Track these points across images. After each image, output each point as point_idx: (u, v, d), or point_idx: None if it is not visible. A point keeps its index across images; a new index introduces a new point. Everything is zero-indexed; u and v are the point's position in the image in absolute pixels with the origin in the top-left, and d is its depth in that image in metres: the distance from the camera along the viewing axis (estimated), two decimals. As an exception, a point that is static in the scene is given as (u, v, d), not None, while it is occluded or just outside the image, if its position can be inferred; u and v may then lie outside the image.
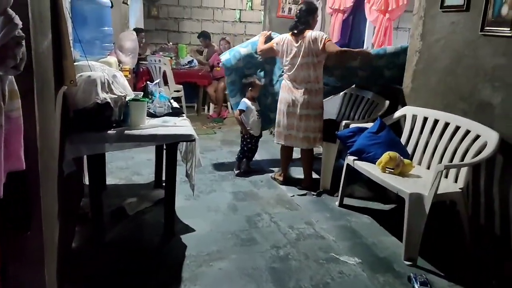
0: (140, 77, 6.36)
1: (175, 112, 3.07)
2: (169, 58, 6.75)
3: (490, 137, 2.68)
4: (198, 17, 8.10)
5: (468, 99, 2.96)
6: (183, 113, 3.13)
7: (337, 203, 3.56)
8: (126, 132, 2.57)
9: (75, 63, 2.72)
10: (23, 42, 1.25)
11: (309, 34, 3.60)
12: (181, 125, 2.82)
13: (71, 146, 2.38)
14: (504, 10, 2.66)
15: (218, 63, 6.74)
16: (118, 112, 2.62)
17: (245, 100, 4.10)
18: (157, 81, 3.24)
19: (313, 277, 2.51)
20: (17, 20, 1.22)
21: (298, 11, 3.72)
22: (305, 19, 3.65)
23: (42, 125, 1.75)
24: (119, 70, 4.86)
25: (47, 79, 1.91)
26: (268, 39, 4.01)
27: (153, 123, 2.79)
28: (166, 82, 6.31)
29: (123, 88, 2.83)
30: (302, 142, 3.76)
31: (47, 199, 1.87)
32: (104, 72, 2.69)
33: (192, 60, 7.04)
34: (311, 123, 3.70)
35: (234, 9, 8.25)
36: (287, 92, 3.73)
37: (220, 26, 8.25)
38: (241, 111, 4.09)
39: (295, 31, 3.67)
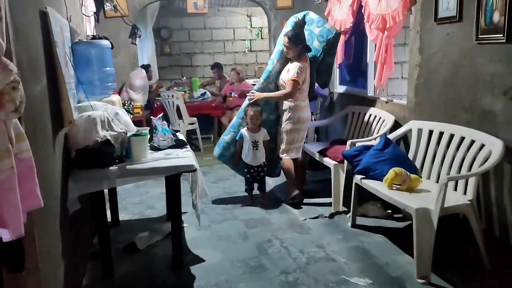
0: (155, 113, 6.52)
1: (178, 144, 3.13)
2: (183, 92, 6.92)
3: (495, 146, 2.61)
4: (210, 50, 8.33)
5: (470, 109, 2.90)
6: (187, 145, 3.19)
7: (349, 224, 3.50)
8: (128, 167, 2.63)
9: (78, 104, 2.85)
10: (20, 86, 1.33)
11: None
12: (183, 157, 2.87)
13: (74, 185, 2.46)
14: (496, 17, 2.63)
15: (231, 93, 6.88)
16: (120, 148, 2.70)
17: (243, 129, 4.07)
18: (160, 115, 3.32)
19: (321, 302, 2.45)
20: (12, 66, 1.30)
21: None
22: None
23: (37, 166, 1.82)
24: (131, 107, 5.05)
25: (42, 122, 2.00)
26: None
27: (156, 156, 2.85)
28: (180, 116, 6.44)
29: (125, 124, 2.92)
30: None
31: (46, 238, 1.92)
32: (106, 110, 2.80)
33: (205, 93, 7.18)
34: None
35: (244, 40, 8.45)
36: (307, 111, 4.13)
37: (231, 57, 8.44)
38: (238, 141, 4.10)
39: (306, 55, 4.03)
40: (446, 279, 2.61)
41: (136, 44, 5.91)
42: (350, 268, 2.82)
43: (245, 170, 4.08)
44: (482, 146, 2.72)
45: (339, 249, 3.10)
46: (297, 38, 3.95)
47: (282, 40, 4.03)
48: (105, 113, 2.68)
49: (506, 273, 2.62)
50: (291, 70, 3.91)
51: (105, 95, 3.13)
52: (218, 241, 3.30)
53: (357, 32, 4.65)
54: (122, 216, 3.78)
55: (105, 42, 3.12)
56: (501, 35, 2.59)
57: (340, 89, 5.15)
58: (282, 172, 4.25)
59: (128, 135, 2.76)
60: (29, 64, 1.83)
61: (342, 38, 4.63)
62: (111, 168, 2.59)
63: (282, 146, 4.07)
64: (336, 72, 5.16)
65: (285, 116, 4.01)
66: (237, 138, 4.06)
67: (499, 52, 2.63)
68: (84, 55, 2.96)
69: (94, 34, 3.56)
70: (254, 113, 3.97)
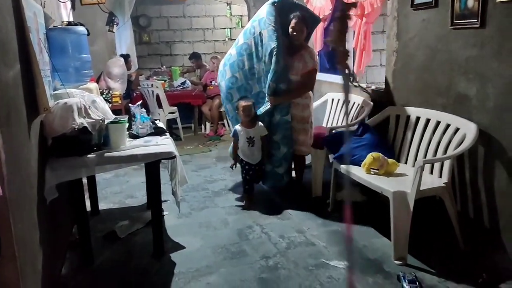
0: (134, 102, 6.44)
1: (158, 132, 3.11)
2: (163, 81, 6.85)
3: (469, 129, 2.67)
4: (189, 39, 8.24)
5: (446, 93, 2.96)
6: (166, 132, 3.17)
7: (329, 209, 3.54)
8: (106, 154, 2.61)
9: (54, 92, 2.80)
10: None
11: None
12: (162, 144, 2.85)
13: (51, 173, 2.42)
14: (470, 2, 2.68)
15: (211, 82, 6.84)
16: (97, 136, 2.67)
17: (237, 125, 3.70)
18: (138, 103, 3.28)
19: (301, 284, 2.49)
20: None
21: None
22: None
23: (11, 153, 1.79)
24: (109, 96, 4.98)
25: (16, 108, 1.96)
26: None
27: (135, 144, 2.83)
28: (160, 105, 6.39)
29: (103, 112, 2.88)
30: None
31: (23, 226, 1.90)
32: (83, 98, 2.75)
33: (185, 81, 7.13)
34: None
35: (224, 28, 8.38)
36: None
37: (211, 46, 8.37)
38: (233, 138, 3.74)
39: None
40: (422, 260, 2.68)
41: (113, 32, 5.81)
42: (330, 251, 2.87)
43: (242, 168, 3.73)
44: (457, 129, 2.78)
45: (319, 233, 3.14)
46: (306, 19, 3.53)
47: (272, 33, 3.41)
48: (82, 100, 2.64)
49: (480, 254, 2.71)
50: (308, 59, 3.50)
51: (82, 82, 3.08)
52: (199, 228, 3.30)
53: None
54: (102, 206, 3.75)
55: (81, 29, 3.06)
56: (475, 20, 2.64)
57: (319, 76, 5.16)
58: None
59: (106, 123, 2.73)
60: (1, 49, 1.78)
61: (321, 25, 4.64)
62: (89, 155, 2.56)
63: (310, 141, 3.73)
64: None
65: (305, 108, 3.64)
66: (231, 135, 3.78)
67: (474, 37, 2.68)
68: (59, 41, 2.90)
69: (70, 20, 3.48)
70: (246, 105, 3.54)
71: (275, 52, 3.40)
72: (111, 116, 2.96)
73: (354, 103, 4.08)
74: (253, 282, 2.53)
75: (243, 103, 3.58)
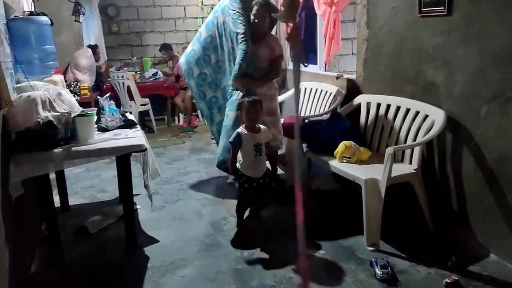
0: (104, 94, 6.29)
1: (127, 124, 3.04)
2: (134, 72, 6.71)
3: (437, 116, 2.72)
4: (160, 29, 8.07)
5: (415, 81, 3.00)
6: (137, 125, 3.10)
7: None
8: (73, 148, 2.53)
9: (17, 85, 2.69)
10: None
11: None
12: (132, 137, 2.79)
13: (16, 169, 2.34)
14: (437, -10, 2.71)
15: (183, 73, 6.74)
16: (64, 130, 2.59)
17: (239, 129, 2.90)
18: (107, 95, 3.20)
19: (276, 274, 2.50)
20: None
21: None
22: None
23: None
24: (77, 88, 4.85)
25: (-26, 102, 1.88)
26: None
27: (104, 137, 2.76)
28: (131, 97, 6.26)
29: (69, 105, 2.80)
30: None
31: (-15, 224, 1.83)
32: (48, 90, 2.66)
33: (157, 73, 7.00)
34: None
35: (196, 18, 8.24)
36: None
37: (183, 36, 8.23)
38: (232, 144, 2.91)
39: None
40: (394, 245, 2.72)
41: (80, 22, 5.64)
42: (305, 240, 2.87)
43: (242, 186, 2.92)
44: (426, 116, 2.82)
45: (293, 223, 3.14)
46: (269, 5, 3.38)
47: (237, 18, 3.27)
48: (46, 93, 2.55)
49: (449, 237, 2.78)
50: (275, 45, 3.38)
51: (46, 74, 2.97)
52: (173, 221, 3.26)
53: (308, 8, 4.65)
54: (73, 201, 3.66)
55: (44, 18, 2.95)
56: (442, 8, 2.67)
57: (292, 65, 5.16)
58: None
59: (72, 116, 2.65)
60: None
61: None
62: (55, 150, 2.47)
63: (280, 137, 3.57)
64: (287, 49, 5.16)
65: (272, 100, 3.47)
66: (230, 140, 2.92)
67: (441, 24, 2.71)
68: (21, 32, 2.79)
69: (32, 10, 3.34)
70: (253, 105, 2.85)
71: (242, 35, 3.22)
72: (78, 109, 2.88)
73: (327, 92, 4.10)
74: (228, 274, 2.52)
75: (247, 100, 2.88)
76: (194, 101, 6.53)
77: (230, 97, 3.43)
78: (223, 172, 3.86)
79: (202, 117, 3.88)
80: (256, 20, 3.26)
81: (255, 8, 3.26)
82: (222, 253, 2.76)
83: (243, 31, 3.22)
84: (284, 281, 2.42)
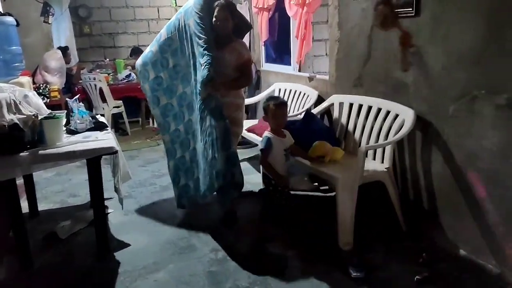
0: (75, 96, 6.17)
1: (98, 127, 2.98)
2: (106, 74, 6.59)
3: (407, 115, 2.76)
4: (134, 30, 7.97)
5: (385, 81, 3.04)
6: (107, 127, 3.04)
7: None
8: (41, 152, 2.46)
9: (-19, 88, 2.60)
10: None
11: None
12: (103, 139, 2.73)
13: (-20, 174, 2.26)
14: (405, -8, 2.75)
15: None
16: (31, 133, 2.51)
17: (266, 133, 2.82)
18: (76, 97, 3.13)
19: (250, 275, 2.49)
20: None
21: None
22: None
23: None
24: (47, 91, 4.73)
25: None
26: None
27: (73, 140, 2.69)
28: (104, 100, 6.15)
29: (36, 107, 2.73)
30: None
31: None
32: (13, 93, 2.58)
33: (130, 74, 6.89)
34: None
35: (169, 19, 8.15)
36: None
37: (157, 37, 8.15)
38: (264, 152, 2.77)
39: None
40: (367, 243, 2.75)
41: (49, 23, 5.50)
42: (279, 240, 2.88)
43: (273, 195, 2.86)
44: (397, 116, 2.86)
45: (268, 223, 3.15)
46: (231, 7, 3.07)
47: (199, 20, 2.90)
48: (11, 95, 2.48)
49: (419, 233, 2.83)
50: (242, 49, 3.06)
51: (12, 76, 2.90)
52: (146, 224, 3.22)
53: (281, 9, 4.67)
54: (42, 206, 3.56)
55: (9, 19, 2.88)
56: (411, 9, 2.72)
57: (266, 66, 5.18)
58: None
59: (39, 118, 2.58)
60: None
61: (266, 15, 4.64)
62: (21, 154, 2.40)
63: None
64: (262, 50, 5.18)
65: (238, 109, 3.16)
66: (262, 147, 2.79)
67: (409, 25, 2.76)
68: (-16, 33, 2.71)
69: (-3, 10, 3.26)
70: (280, 107, 2.77)
71: (205, 39, 2.85)
72: (46, 111, 2.81)
73: (300, 92, 4.13)
74: (202, 276, 2.50)
75: (274, 103, 2.77)
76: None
77: (203, 107, 2.89)
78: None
79: (156, 124, 3.43)
80: (218, 23, 2.97)
81: (216, 10, 2.98)
82: (197, 255, 2.73)
83: (206, 34, 2.88)
84: (258, 282, 2.41)
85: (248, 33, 5.33)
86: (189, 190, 3.26)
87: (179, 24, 3.10)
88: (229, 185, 2.85)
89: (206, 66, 2.82)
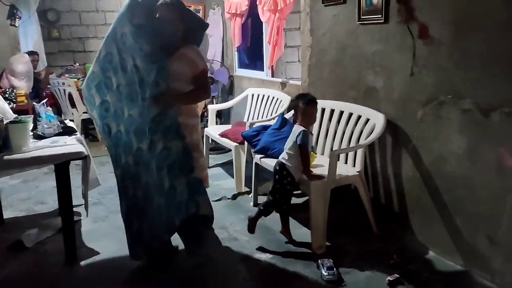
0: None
1: (66, 131, 2.90)
2: (76, 79, 6.45)
3: (378, 120, 2.82)
4: (104, 35, 7.83)
5: (356, 86, 3.09)
6: (76, 132, 2.97)
7: (251, 203, 3.56)
8: (6, 157, 2.38)
9: None
10: None
11: None
12: (71, 144, 2.67)
13: None
14: (375, -1, 2.82)
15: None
16: (-5, 138, 2.43)
17: (301, 127, 2.71)
18: (43, 101, 3.05)
19: (225, 281, 2.47)
20: None
21: None
22: None
23: None
24: (13, 95, 4.59)
25: None
26: None
27: (40, 145, 2.61)
28: (74, 105, 6.01)
29: (2, 112, 2.65)
30: None
31: None
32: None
33: (101, 79, 6.77)
34: None
35: (141, 24, 8.09)
36: None
37: (128, 42, 8.06)
38: (304, 146, 2.68)
39: None
40: (340, 246, 2.78)
41: (16, 26, 5.35)
42: (252, 245, 2.87)
43: (287, 187, 2.78)
44: (368, 120, 2.91)
45: (242, 228, 3.13)
46: (178, 6, 2.53)
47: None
48: (-26, 99, 2.39)
49: (391, 236, 2.87)
50: (195, 57, 2.54)
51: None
52: (116, 231, 3.13)
53: (254, 15, 4.70)
54: (7, 214, 3.44)
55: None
56: (380, 16, 2.78)
57: (239, 72, 5.19)
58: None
59: (5, 123, 2.50)
60: None
61: (239, 21, 4.65)
62: (-16, 160, 2.32)
63: (206, 174, 2.83)
64: (235, 55, 5.19)
65: (193, 131, 2.66)
66: (300, 142, 2.65)
67: (379, 32, 2.82)
68: None
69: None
70: (311, 105, 2.73)
71: (147, 50, 2.37)
72: (12, 116, 2.73)
73: (273, 97, 4.15)
74: (176, 284, 2.46)
75: (303, 101, 2.71)
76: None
77: (155, 128, 2.41)
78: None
79: (111, 158, 2.70)
80: (163, 26, 2.44)
81: (159, 10, 2.45)
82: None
83: (148, 42, 2.38)
84: (232, 287, 2.40)
85: (222, 39, 5.36)
86: (144, 235, 2.58)
87: (115, 36, 2.54)
88: (194, 220, 2.44)
89: (154, 79, 2.37)
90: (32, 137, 2.73)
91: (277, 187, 2.79)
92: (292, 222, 3.16)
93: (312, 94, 3.52)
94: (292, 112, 2.85)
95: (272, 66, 3.98)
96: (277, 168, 2.78)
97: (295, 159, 2.70)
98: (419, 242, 2.72)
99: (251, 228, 2.86)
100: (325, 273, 2.42)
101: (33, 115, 3.06)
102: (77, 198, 2.88)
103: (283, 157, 2.76)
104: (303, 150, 2.68)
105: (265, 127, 3.48)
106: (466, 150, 2.35)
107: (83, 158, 2.57)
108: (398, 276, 2.37)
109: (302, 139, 2.64)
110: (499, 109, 2.15)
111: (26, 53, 5.45)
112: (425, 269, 2.50)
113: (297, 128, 2.71)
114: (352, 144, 3.00)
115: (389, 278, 2.36)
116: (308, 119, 2.72)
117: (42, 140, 2.73)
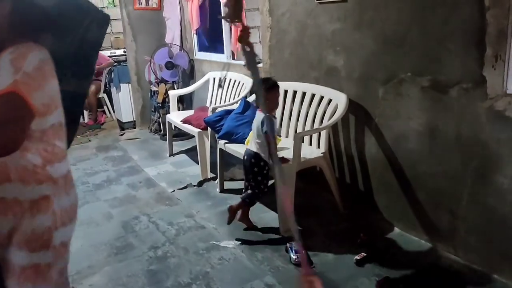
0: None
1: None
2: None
3: (340, 100, 2.80)
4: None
5: (317, 66, 3.07)
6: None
7: (218, 189, 3.51)
8: None
9: None
10: None
11: None
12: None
13: None
14: (331, -23, 2.77)
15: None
16: None
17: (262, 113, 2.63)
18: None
19: (192, 270, 2.43)
20: None
21: None
22: None
23: None
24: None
25: None
26: None
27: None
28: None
29: None
30: None
31: None
32: None
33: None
34: None
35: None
36: None
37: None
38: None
39: None
40: (308, 227, 2.78)
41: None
42: (220, 232, 2.84)
43: (264, 170, 2.75)
44: (330, 101, 2.90)
45: (209, 215, 3.10)
46: None
47: None
48: None
49: (357, 215, 2.91)
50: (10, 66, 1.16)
51: None
52: (79, 226, 2.94)
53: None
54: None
55: None
56: (338, -6, 2.74)
57: (199, 55, 5.06)
58: None
59: None
60: None
61: (196, 3, 4.51)
62: None
63: None
64: (194, 38, 5.05)
65: None
66: (265, 130, 2.59)
67: (337, 10, 2.79)
68: None
69: None
70: (274, 92, 2.68)
71: None
72: None
73: (235, 81, 4.07)
74: (141, 276, 2.40)
75: (265, 86, 2.55)
76: (99, 95, 6.27)
77: None
78: (133, 170, 3.65)
79: None
80: None
81: None
82: (135, 255, 2.63)
83: None
84: (200, 277, 2.36)
85: (179, 21, 5.20)
86: None
87: None
88: None
89: None
90: None
91: (258, 180, 2.73)
92: (259, 206, 3.14)
93: (274, 75, 3.49)
94: (254, 96, 2.78)
95: (237, 48, 3.88)
96: (252, 160, 2.71)
97: (264, 146, 2.65)
98: (385, 219, 2.77)
99: (231, 220, 2.81)
100: (293, 257, 2.42)
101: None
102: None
103: (255, 147, 2.70)
104: (269, 138, 2.52)
105: (228, 112, 3.42)
106: (426, 127, 2.37)
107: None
108: (365, 254, 2.40)
109: (268, 127, 2.46)
110: (457, 85, 2.17)
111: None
112: (391, 246, 2.55)
113: (260, 115, 2.64)
114: (316, 125, 2.99)
115: (356, 257, 2.38)
116: (271, 104, 2.65)
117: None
